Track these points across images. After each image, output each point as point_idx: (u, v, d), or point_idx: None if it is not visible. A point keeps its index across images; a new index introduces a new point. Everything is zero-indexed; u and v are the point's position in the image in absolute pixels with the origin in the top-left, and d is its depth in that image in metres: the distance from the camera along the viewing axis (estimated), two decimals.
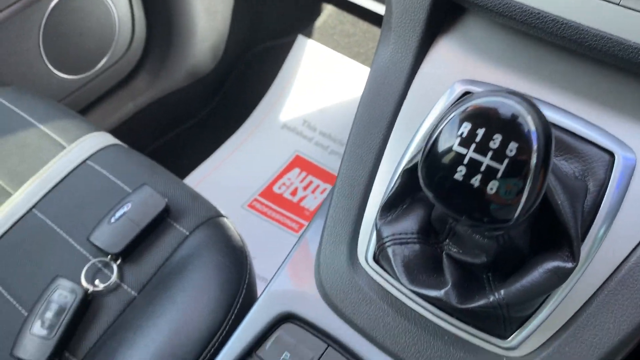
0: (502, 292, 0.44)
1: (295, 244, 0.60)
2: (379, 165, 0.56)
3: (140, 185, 0.72)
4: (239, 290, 0.65)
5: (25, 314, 0.66)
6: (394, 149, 0.55)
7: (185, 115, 1.48)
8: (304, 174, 1.42)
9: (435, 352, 0.48)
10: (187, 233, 0.70)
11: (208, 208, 0.74)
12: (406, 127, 0.55)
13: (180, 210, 0.72)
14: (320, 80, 1.51)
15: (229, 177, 1.43)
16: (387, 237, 0.50)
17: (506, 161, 0.32)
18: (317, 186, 1.40)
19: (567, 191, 0.45)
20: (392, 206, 0.52)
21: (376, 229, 0.51)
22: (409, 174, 0.50)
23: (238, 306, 0.64)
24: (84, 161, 0.77)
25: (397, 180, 0.51)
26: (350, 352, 0.51)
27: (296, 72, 1.51)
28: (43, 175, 0.76)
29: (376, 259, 0.52)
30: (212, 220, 0.73)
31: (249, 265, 0.69)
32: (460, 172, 0.33)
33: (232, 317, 0.63)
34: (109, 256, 0.68)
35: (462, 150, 0.33)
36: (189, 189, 0.76)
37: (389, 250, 0.49)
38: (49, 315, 0.64)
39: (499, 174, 0.32)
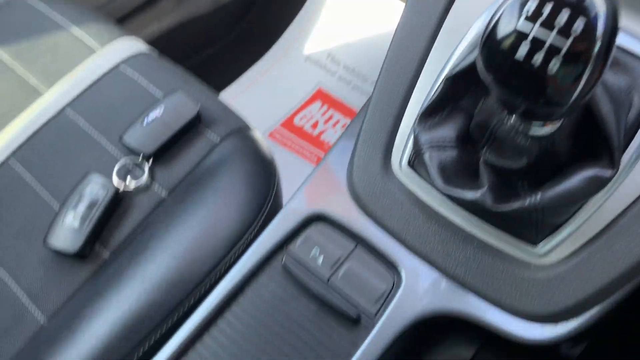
0: (538, 195, 0.45)
1: (327, 153, 0.60)
2: (419, 75, 0.56)
3: (172, 90, 0.73)
4: (267, 197, 0.67)
5: (58, 207, 0.67)
6: (435, 58, 0.55)
7: (208, 42, 1.46)
8: (325, 107, 1.42)
9: (464, 255, 0.49)
10: (218, 141, 0.71)
11: (238, 119, 0.74)
12: (450, 36, 0.54)
13: (212, 119, 0.73)
14: (348, 12, 1.48)
15: (249, 107, 1.42)
16: (424, 142, 0.50)
17: (570, 40, 0.32)
18: (338, 121, 1.40)
19: (612, 102, 0.45)
20: (431, 113, 0.52)
21: (414, 134, 0.52)
22: (451, 81, 0.50)
23: (266, 212, 0.65)
24: (117, 66, 0.77)
25: (438, 87, 0.51)
26: (378, 252, 0.52)
27: (324, 2, 1.49)
28: (75, 76, 0.77)
29: (411, 165, 0.53)
30: (243, 131, 0.73)
31: (277, 175, 0.70)
32: (521, 52, 0.33)
33: (261, 220, 0.64)
34: (141, 156, 0.69)
35: (526, 28, 0.33)
36: (219, 100, 0.76)
37: (426, 155, 0.50)
38: (82, 208, 0.65)
39: (561, 53, 0.32)
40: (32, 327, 0.61)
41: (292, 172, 1.32)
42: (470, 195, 0.46)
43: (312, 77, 1.45)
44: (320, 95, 1.43)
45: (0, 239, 0.66)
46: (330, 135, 1.37)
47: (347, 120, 1.39)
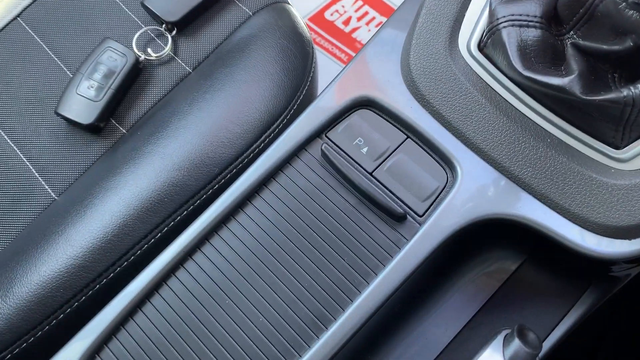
0: (639, 86, 0.37)
1: (370, 40, 0.52)
2: None
3: None
4: (304, 81, 0.59)
5: (71, 75, 0.61)
6: None
7: None
8: (360, 2, 1.30)
9: (534, 154, 0.43)
10: (251, 13, 0.63)
11: None
12: None
13: None
14: None
15: None
16: (503, 17, 0.42)
17: None
18: (373, 18, 1.29)
19: None
20: None
21: (490, 8, 0.44)
22: None
23: (302, 97, 0.58)
24: None
25: None
26: (432, 147, 0.46)
27: None
28: None
29: (482, 47, 0.45)
30: (279, 4, 0.65)
31: (314, 57, 0.63)
32: None
33: (295, 106, 0.58)
34: (164, 25, 0.62)
35: None
36: None
37: (504, 32, 0.42)
38: (97, 76, 0.59)
39: None
40: (44, 200, 0.56)
41: (321, 70, 1.24)
42: (556, 81, 0.39)
43: None
44: None
45: (9, 106, 0.60)
46: (364, 34, 1.27)
47: (384, 19, 1.29)
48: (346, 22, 1.29)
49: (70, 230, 0.51)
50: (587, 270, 0.51)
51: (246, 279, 0.44)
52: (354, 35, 1.27)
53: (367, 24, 1.29)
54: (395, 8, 1.30)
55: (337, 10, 1.30)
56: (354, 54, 1.26)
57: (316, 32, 1.28)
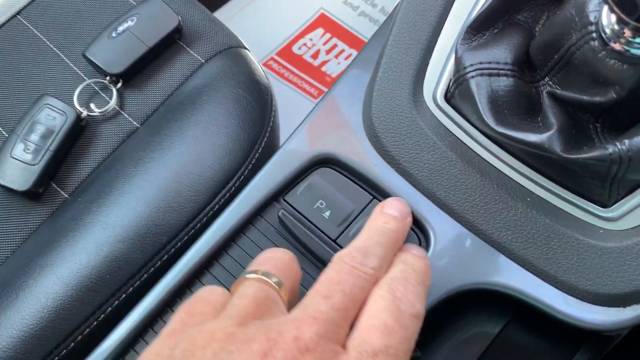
0: (626, 142, 0.33)
1: (334, 84, 0.48)
2: None
3: None
4: (262, 133, 0.55)
5: (6, 135, 0.55)
6: None
7: None
8: (328, 35, 1.27)
9: (513, 215, 0.38)
10: (203, 60, 0.58)
11: (228, 35, 0.61)
12: None
13: (196, 34, 0.60)
14: None
15: (243, 31, 1.27)
16: (470, 65, 0.38)
17: None
18: (342, 51, 1.26)
19: None
20: (480, 28, 0.39)
21: (456, 55, 0.39)
22: None
23: (260, 150, 0.54)
24: None
25: None
26: None
27: None
28: None
29: (449, 98, 0.41)
30: (234, 49, 0.60)
31: (274, 106, 0.58)
32: None
33: (253, 160, 0.53)
34: (108, 77, 0.57)
35: None
36: (206, 11, 0.63)
37: (472, 83, 0.38)
38: (35, 137, 0.53)
39: None
40: None
41: (289, 107, 1.19)
42: (533, 138, 0.35)
43: (314, 1, 1.30)
44: (323, 22, 1.29)
45: None
46: (333, 67, 1.23)
47: (353, 52, 1.25)
48: (315, 56, 1.26)
49: (0, 319, 0.45)
50: (577, 331, 0.46)
51: None
52: (323, 68, 1.24)
53: (337, 56, 1.25)
54: (365, 39, 1.27)
55: (305, 44, 1.26)
56: (324, 88, 1.23)
57: (284, 67, 1.24)
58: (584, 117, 0.37)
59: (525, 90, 0.38)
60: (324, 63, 1.24)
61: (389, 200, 0.38)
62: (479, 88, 0.37)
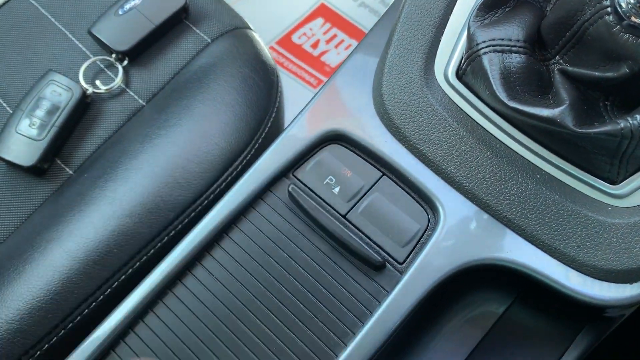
0: (637, 117, 0.34)
1: (338, 68, 0.48)
2: None
3: None
4: (269, 112, 0.55)
5: (11, 111, 0.55)
6: None
7: None
8: (328, 25, 1.27)
9: (523, 191, 0.39)
10: (209, 40, 0.58)
11: (234, 16, 0.61)
12: None
13: (202, 14, 0.60)
14: None
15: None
16: (483, 42, 0.38)
17: None
18: (342, 41, 1.26)
19: None
20: (493, 5, 0.40)
21: (468, 32, 0.40)
22: None
23: (267, 129, 0.54)
24: None
25: None
26: (411, 185, 0.42)
27: None
28: None
29: (460, 75, 0.41)
30: (240, 30, 0.60)
31: (280, 86, 0.58)
32: None
33: (260, 139, 0.53)
34: (114, 55, 0.56)
35: None
36: None
37: (484, 59, 0.38)
38: (40, 113, 0.53)
39: None
40: None
41: (288, 95, 1.19)
42: (545, 112, 0.35)
43: None
44: (323, 11, 1.28)
45: None
46: (333, 57, 1.23)
47: (353, 42, 1.25)
48: (314, 45, 1.25)
49: (6, 290, 0.45)
50: (580, 311, 0.47)
51: (204, 344, 0.39)
52: (322, 58, 1.24)
53: (336, 46, 1.25)
54: (364, 30, 1.27)
55: (304, 34, 1.26)
56: (323, 78, 1.23)
57: (284, 56, 1.24)
58: (595, 95, 0.37)
59: (537, 68, 0.38)
60: (323, 53, 1.24)
61: None
62: (492, 64, 0.38)
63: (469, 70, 0.40)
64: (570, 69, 0.37)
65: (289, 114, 0.62)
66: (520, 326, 0.47)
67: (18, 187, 0.52)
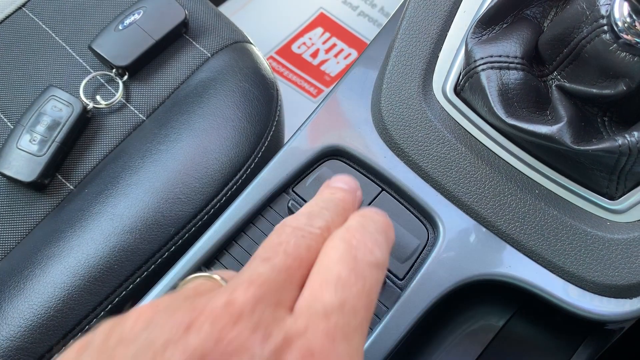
0: (635, 134, 0.34)
1: (339, 81, 0.48)
2: None
3: None
4: (269, 126, 0.55)
5: (11, 126, 0.55)
6: None
7: None
8: (327, 34, 1.28)
9: (522, 207, 0.39)
10: (209, 54, 0.58)
11: (234, 30, 0.61)
12: None
13: (201, 28, 0.60)
14: None
15: (242, 29, 1.28)
16: (480, 59, 0.39)
17: None
18: (341, 50, 1.26)
19: None
20: (490, 22, 0.40)
21: (466, 49, 0.40)
22: None
23: (266, 143, 0.54)
24: None
25: None
26: (410, 201, 0.42)
27: None
28: None
29: (458, 91, 0.42)
30: (239, 44, 0.60)
31: (279, 100, 0.58)
32: None
33: (260, 154, 0.53)
34: (114, 70, 0.57)
35: None
36: (212, 5, 0.63)
37: (482, 76, 0.38)
38: (40, 129, 0.53)
39: None
40: None
41: (288, 105, 1.19)
42: (544, 129, 0.35)
43: (313, 0, 1.30)
44: (322, 21, 1.29)
45: None
46: (333, 66, 1.24)
47: (352, 51, 1.26)
48: (314, 55, 1.26)
49: (8, 306, 0.45)
50: (581, 324, 0.47)
51: None
52: (322, 67, 1.24)
53: (336, 56, 1.26)
54: (364, 39, 1.27)
55: (304, 43, 1.27)
56: (323, 87, 1.23)
57: (283, 66, 1.25)
58: (592, 111, 0.38)
59: (535, 84, 0.38)
60: (323, 62, 1.24)
61: (337, 175, 0.34)
62: (490, 81, 0.38)
63: (467, 87, 0.40)
64: (567, 85, 0.37)
65: (289, 123, 0.62)
66: (521, 339, 0.47)
67: (19, 203, 0.52)
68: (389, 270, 0.40)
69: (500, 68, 0.38)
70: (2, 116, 0.56)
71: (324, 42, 1.27)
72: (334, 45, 1.26)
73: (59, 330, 0.45)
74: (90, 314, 0.46)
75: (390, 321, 0.38)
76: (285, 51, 1.26)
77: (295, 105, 1.19)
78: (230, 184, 0.51)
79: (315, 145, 0.44)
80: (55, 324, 0.45)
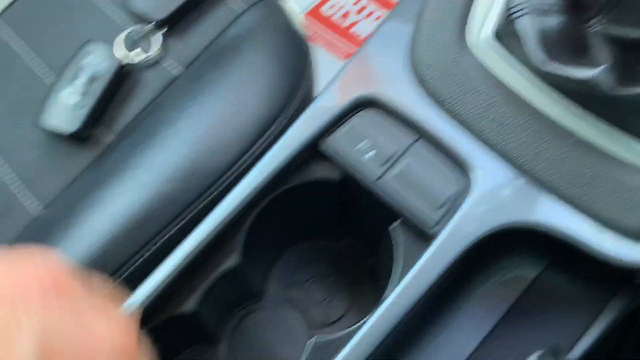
0: None
1: (372, 33, 0.48)
2: None
3: None
4: (301, 81, 0.55)
5: (52, 82, 0.57)
6: None
7: None
8: None
9: (558, 154, 0.39)
10: (242, 10, 0.59)
11: None
12: None
13: None
14: None
15: None
16: (519, 3, 0.38)
17: None
18: (372, 12, 1.25)
19: None
20: None
21: None
22: None
23: (300, 96, 0.54)
24: None
25: None
26: (445, 147, 0.42)
27: None
28: None
29: (497, 37, 0.41)
30: (270, 0, 0.60)
31: (311, 55, 0.58)
32: None
33: (293, 107, 0.53)
34: (152, 24, 0.57)
35: None
36: None
37: (522, 21, 0.38)
38: (80, 82, 0.55)
39: None
40: (24, 217, 0.52)
41: (319, 66, 1.19)
42: (583, 74, 0.35)
43: None
44: None
45: None
46: (364, 28, 1.23)
47: (384, 12, 1.24)
48: (344, 16, 1.25)
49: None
50: (612, 278, 0.47)
51: None
52: (352, 29, 1.23)
53: (367, 17, 1.24)
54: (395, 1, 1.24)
55: (334, 5, 1.25)
56: (353, 49, 1.22)
57: (313, 28, 1.24)
58: (636, 55, 0.37)
59: (576, 29, 0.38)
60: (353, 24, 1.23)
61: None
62: (529, 26, 0.37)
63: (506, 33, 0.39)
64: (609, 30, 0.36)
65: (319, 84, 0.62)
66: (552, 292, 0.48)
67: (61, 154, 0.54)
68: (423, 217, 0.41)
69: (540, 13, 0.37)
70: (45, 69, 0.57)
71: (355, 4, 1.25)
72: (365, 6, 1.25)
73: (103, 272, 0.46)
74: (129, 261, 0.47)
75: (425, 264, 0.39)
76: (314, 13, 1.25)
77: (325, 66, 1.18)
78: (265, 136, 0.51)
79: (348, 96, 0.44)
80: (98, 268, 0.46)
